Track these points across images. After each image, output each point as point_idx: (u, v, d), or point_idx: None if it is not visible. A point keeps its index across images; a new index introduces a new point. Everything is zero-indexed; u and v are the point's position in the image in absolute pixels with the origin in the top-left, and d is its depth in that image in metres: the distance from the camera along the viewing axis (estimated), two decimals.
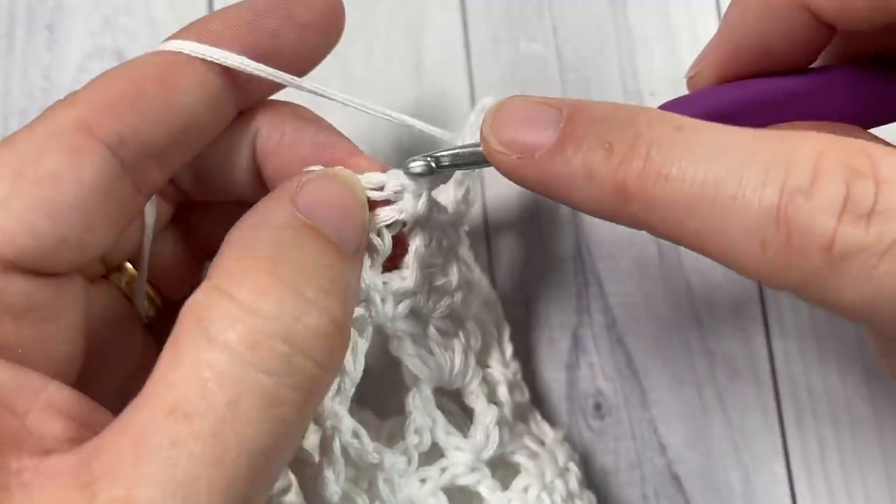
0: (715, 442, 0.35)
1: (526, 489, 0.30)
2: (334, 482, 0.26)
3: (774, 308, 0.35)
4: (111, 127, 0.24)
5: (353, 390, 0.27)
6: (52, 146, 0.23)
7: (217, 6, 0.39)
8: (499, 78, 0.38)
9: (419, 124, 0.28)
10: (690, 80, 0.28)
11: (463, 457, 0.30)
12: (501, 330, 0.34)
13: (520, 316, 0.36)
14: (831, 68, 0.27)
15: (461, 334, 0.30)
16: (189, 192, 0.29)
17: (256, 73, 0.26)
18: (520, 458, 0.31)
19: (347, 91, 0.27)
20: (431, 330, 0.29)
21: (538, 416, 0.33)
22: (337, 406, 0.26)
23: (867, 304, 0.20)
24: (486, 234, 0.37)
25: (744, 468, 0.35)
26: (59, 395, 0.22)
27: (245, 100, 0.27)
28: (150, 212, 0.28)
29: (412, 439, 0.29)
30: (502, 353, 0.33)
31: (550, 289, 0.36)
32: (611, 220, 0.23)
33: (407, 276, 0.27)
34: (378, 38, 0.38)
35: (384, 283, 0.27)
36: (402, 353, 0.29)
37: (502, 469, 0.31)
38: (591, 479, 0.35)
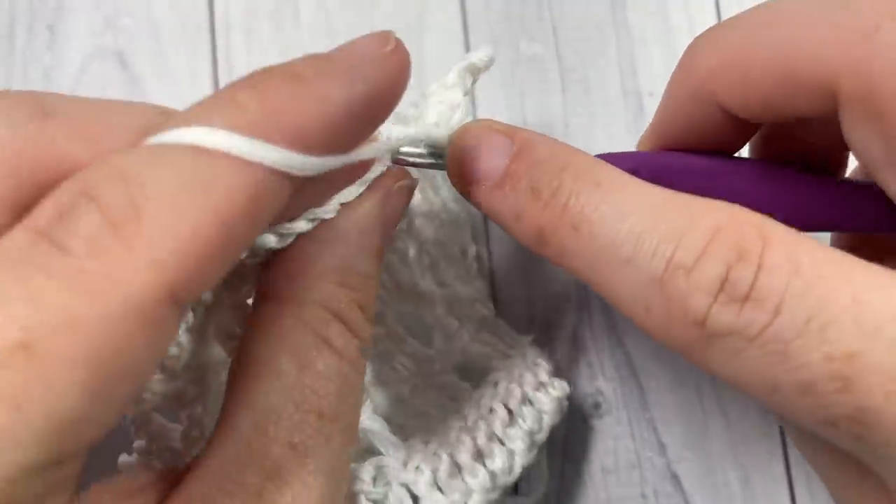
0: (714, 442, 0.35)
1: (496, 383, 0.31)
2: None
3: None
4: (196, 291, 0.18)
5: None
6: (135, 331, 0.17)
7: (217, 9, 0.39)
8: (499, 78, 0.38)
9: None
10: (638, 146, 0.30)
11: (427, 367, 0.32)
12: (466, 249, 0.35)
13: (520, 316, 0.36)
14: (745, 160, 0.29)
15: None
16: None
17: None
18: (490, 361, 0.32)
19: None
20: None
21: (507, 327, 0.34)
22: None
23: (738, 382, 0.21)
24: (487, 234, 0.37)
25: (743, 468, 0.35)
26: None
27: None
28: None
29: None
30: (467, 270, 0.34)
31: (550, 289, 0.36)
32: (541, 254, 0.25)
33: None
34: None
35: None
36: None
37: (475, 374, 0.33)
38: (591, 478, 0.35)
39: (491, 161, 0.25)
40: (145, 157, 0.18)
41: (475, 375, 0.32)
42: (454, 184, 0.26)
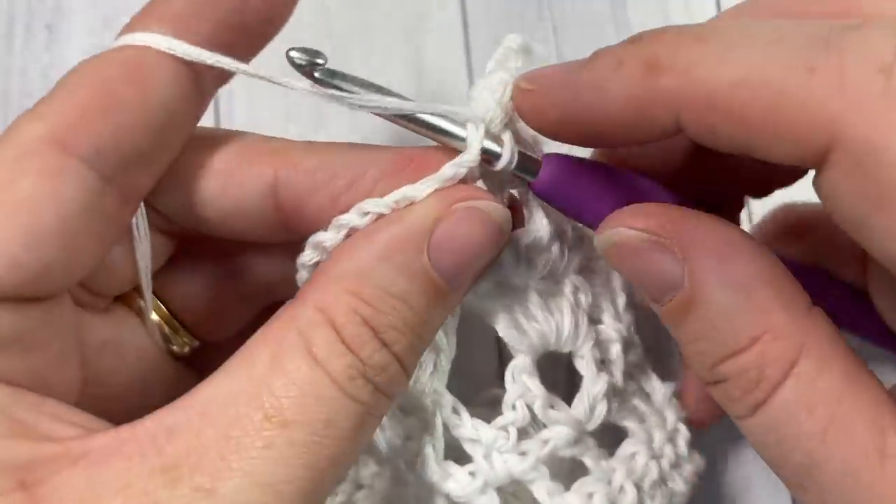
0: (715, 442, 0.35)
1: (633, 456, 0.28)
2: (434, 459, 0.26)
3: None
4: (86, 140, 0.22)
5: (448, 367, 0.27)
6: (25, 169, 0.22)
7: None
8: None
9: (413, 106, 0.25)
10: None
11: (564, 430, 0.27)
12: (611, 276, 0.29)
13: None
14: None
15: (567, 292, 0.28)
16: (195, 228, 0.27)
17: (231, 68, 0.24)
18: (627, 423, 0.29)
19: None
20: (532, 294, 0.27)
21: (649, 370, 0.31)
22: (436, 383, 0.26)
23: None
24: None
25: (744, 468, 0.35)
26: (59, 408, 0.22)
27: (220, 80, 0.26)
28: (142, 229, 0.26)
29: (510, 415, 0.27)
30: (613, 303, 0.29)
31: None
32: (641, 113, 0.21)
33: (536, 225, 0.26)
34: (378, 38, 0.38)
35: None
36: (498, 326, 0.27)
37: (608, 433, 0.29)
38: None
39: (569, 66, 0.23)
40: (71, 70, 0.24)
41: (606, 429, 0.29)
42: (524, 99, 0.24)
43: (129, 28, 0.24)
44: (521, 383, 0.27)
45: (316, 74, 0.24)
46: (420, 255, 0.23)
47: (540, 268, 0.26)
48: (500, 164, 0.24)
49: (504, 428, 0.27)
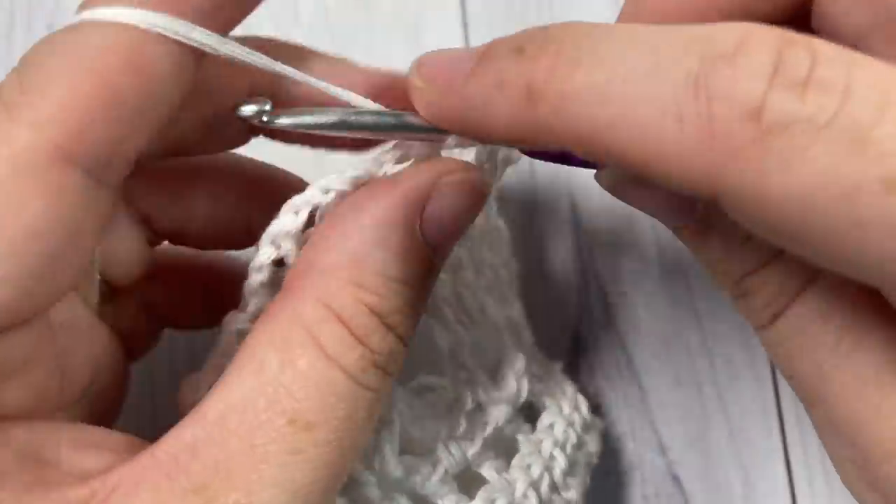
0: (715, 442, 0.35)
1: (552, 426, 0.30)
2: (392, 454, 0.26)
3: None
4: (93, 149, 0.20)
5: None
6: (30, 189, 0.20)
7: None
8: None
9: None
10: None
11: (504, 409, 0.29)
12: (508, 265, 0.32)
13: None
14: None
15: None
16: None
17: (242, 58, 0.23)
18: (540, 396, 0.31)
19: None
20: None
21: (538, 352, 0.33)
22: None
23: (804, 190, 0.17)
24: None
25: (744, 469, 0.35)
26: (74, 432, 0.22)
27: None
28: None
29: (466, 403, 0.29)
30: (507, 291, 0.32)
31: (550, 289, 0.36)
32: (525, 139, 0.20)
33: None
34: (378, 39, 0.38)
35: None
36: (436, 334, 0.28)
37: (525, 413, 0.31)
38: (591, 479, 0.35)
39: (461, 64, 0.21)
40: (39, 46, 0.21)
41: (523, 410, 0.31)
42: (418, 104, 0.22)
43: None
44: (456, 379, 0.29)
45: (265, 119, 0.23)
46: (415, 235, 0.22)
47: None
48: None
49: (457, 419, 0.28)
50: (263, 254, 0.23)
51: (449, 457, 0.27)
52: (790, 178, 0.17)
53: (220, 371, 0.22)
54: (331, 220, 0.23)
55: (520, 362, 0.30)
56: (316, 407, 0.21)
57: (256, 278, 0.24)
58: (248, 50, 0.23)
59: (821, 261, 0.18)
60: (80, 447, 0.21)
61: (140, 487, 0.20)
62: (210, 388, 0.22)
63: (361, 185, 0.23)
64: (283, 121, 0.23)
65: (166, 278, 0.29)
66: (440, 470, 0.27)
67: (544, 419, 0.30)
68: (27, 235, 0.20)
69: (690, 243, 0.23)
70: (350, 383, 0.21)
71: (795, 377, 0.22)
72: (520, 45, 0.20)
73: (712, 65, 0.17)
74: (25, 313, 0.21)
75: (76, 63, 0.20)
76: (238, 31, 0.38)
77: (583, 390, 0.35)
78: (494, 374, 0.30)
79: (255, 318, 0.24)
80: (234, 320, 0.24)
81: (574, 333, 0.36)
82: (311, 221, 0.23)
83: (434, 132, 0.23)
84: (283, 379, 0.21)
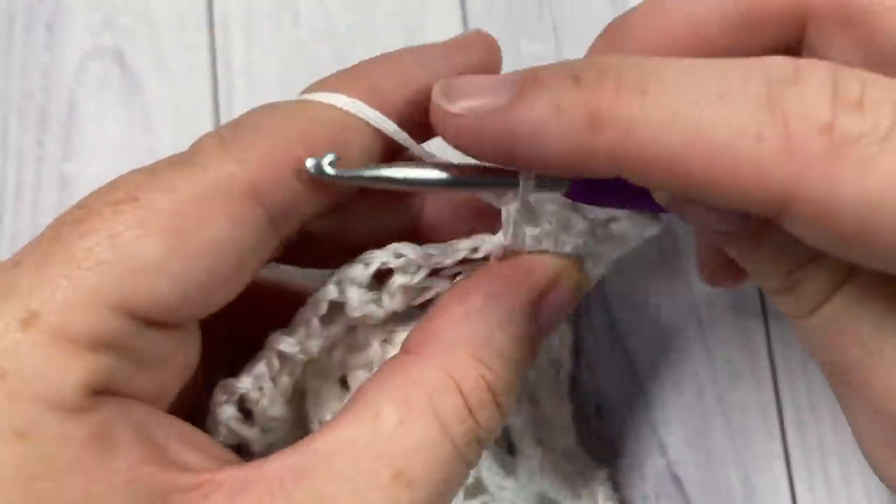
0: (715, 442, 0.35)
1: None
2: None
3: (775, 309, 0.35)
4: (279, 197, 0.23)
5: None
6: (218, 210, 0.22)
7: (216, 9, 0.39)
8: None
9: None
10: None
11: (504, 494, 0.30)
12: (560, 370, 0.33)
13: None
14: None
15: None
16: (316, 237, 0.27)
17: (418, 153, 0.25)
18: (564, 499, 0.31)
19: None
20: None
21: (584, 455, 0.33)
22: None
23: (871, 194, 0.19)
24: None
25: (744, 468, 0.35)
26: (182, 427, 0.23)
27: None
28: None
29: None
30: (558, 390, 0.33)
31: None
32: (581, 166, 0.21)
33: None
34: (378, 39, 0.38)
35: None
36: None
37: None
38: None
39: (499, 93, 0.21)
40: (261, 106, 0.24)
41: None
42: (455, 132, 0.22)
43: (326, 85, 0.25)
44: None
45: (329, 172, 0.24)
46: (534, 324, 0.24)
47: None
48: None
49: None
50: (327, 291, 0.25)
51: None
52: (862, 183, 0.19)
53: (255, 380, 0.25)
54: (455, 297, 0.24)
55: (536, 456, 0.31)
56: (421, 468, 0.22)
57: (312, 311, 0.25)
58: (421, 147, 0.25)
59: (873, 262, 0.20)
60: (187, 444, 0.23)
61: (243, 495, 0.21)
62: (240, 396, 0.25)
63: (433, 260, 0.25)
64: (348, 173, 0.24)
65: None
66: None
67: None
68: (205, 248, 0.22)
69: (737, 249, 0.24)
70: (454, 453, 0.22)
71: (836, 362, 0.23)
72: (575, 74, 0.20)
73: (781, 89, 0.19)
74: (181, 318, 0.23)
75: (287, 124, 0.23)
76: (238, 31, 0.39)
77: (583, 391, 0.36)
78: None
79: (301, 344, 0.26)
80: (279, 341, 0.26)
81: (575, 334, 0.36)
82: (378, 277, 0.26)
83: (492, 184, 0.24)
84: (396, 434, 0.22)
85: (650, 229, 0.27)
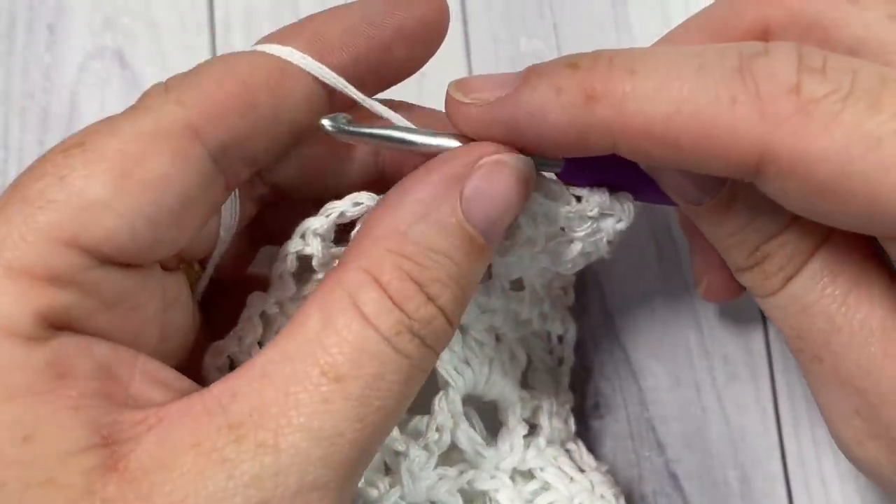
0: (713, 441, 0.35)
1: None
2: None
3: None
4: (218, 134, 0.24)
5: None
6: (159, 148, 0.23)
7: (217, 9, 0.39)
8: None
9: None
10: None
11: (482, 462, 0.30)
12: (563, 362, 0.34)
13: None
14: None
15: (502, 351, 0.30)
16: (286, 193, 0.29)
17: (361, 102, 0.26)
18: (549, 476, 0.31)
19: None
20: (470, 341, 0.30)
21: (583, 448, 0.33)
22: None
23: (837, 147, 0.21)
24: None
25: (741, 467, 0.35)
26: (151, 365, 0.24)
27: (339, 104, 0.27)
28: (230, 213, 0.27)
29: (432, 435, 0.29)
30: (557, 382, 0.34)
31: None
32: (580, 141, 0.23)
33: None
34: None
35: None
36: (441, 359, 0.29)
37: (531, 484, 0.31)
38: None
39: (505, 86, 0.24)
40: (214, 58, 0.26)
41: (529, 480, 0.31)
42: (464, 117, 0.25)
43: (272, 38, 0.26)
44: (446, 412, 0.29)
45: (345, 128, 0.25)
46: (454, 212, 0.24)
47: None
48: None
49: (426, 448, 0.29)
50: (291, 245, 0.26)
51: (410, 485, 0.28)
52: (830, 137, 0.21)
53: (240, 341, 0.26)
54: (380, 202, 0.25)
55: (520, 430, 0.31)
56: (347, 361, 0.22)
57: (281, 265, 0.26)
58: (363, 96, 0.26)
59: (845, 217, 0.23)
60: (151, 380, 0.24)
61: (182, 421, 0.22)
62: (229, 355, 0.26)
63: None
64: (363, 129, 0.25)
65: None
66: (395, 494, 0.28)
67: (545, 497, 0.30)
68: (149, 184, 0.23)
69: (707, 220, 0.26)
70: (383, 344, 0.23)
71: (804, 336, 0.25)
72: (572, 62, 0.23)
73: (751, 59, 0.22)
74: (134, 256, 0.24)
75: (229, 71, 0.25)
76: (239, 31, 0.39)
77: (582, 390, 0.36)
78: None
79: (278, 300, 0.27)
80: (258, 301, 0.27)
81: (574, 333, 0.36)
82: (342, 228, 0.26)
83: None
84: (320, 335, 0.22)
85: (623, 217, 0.27)
